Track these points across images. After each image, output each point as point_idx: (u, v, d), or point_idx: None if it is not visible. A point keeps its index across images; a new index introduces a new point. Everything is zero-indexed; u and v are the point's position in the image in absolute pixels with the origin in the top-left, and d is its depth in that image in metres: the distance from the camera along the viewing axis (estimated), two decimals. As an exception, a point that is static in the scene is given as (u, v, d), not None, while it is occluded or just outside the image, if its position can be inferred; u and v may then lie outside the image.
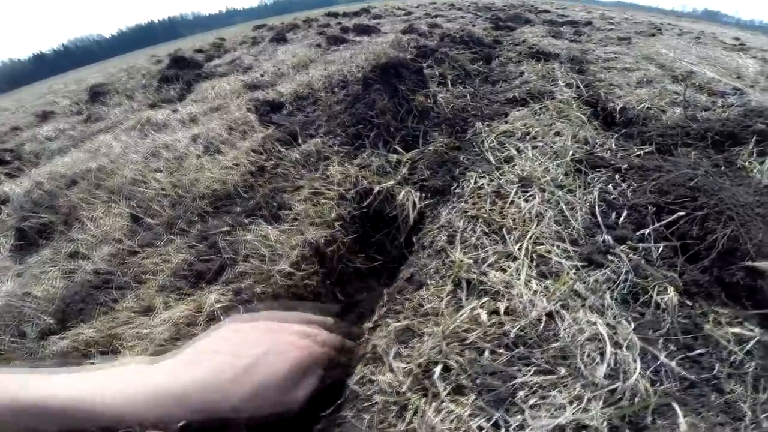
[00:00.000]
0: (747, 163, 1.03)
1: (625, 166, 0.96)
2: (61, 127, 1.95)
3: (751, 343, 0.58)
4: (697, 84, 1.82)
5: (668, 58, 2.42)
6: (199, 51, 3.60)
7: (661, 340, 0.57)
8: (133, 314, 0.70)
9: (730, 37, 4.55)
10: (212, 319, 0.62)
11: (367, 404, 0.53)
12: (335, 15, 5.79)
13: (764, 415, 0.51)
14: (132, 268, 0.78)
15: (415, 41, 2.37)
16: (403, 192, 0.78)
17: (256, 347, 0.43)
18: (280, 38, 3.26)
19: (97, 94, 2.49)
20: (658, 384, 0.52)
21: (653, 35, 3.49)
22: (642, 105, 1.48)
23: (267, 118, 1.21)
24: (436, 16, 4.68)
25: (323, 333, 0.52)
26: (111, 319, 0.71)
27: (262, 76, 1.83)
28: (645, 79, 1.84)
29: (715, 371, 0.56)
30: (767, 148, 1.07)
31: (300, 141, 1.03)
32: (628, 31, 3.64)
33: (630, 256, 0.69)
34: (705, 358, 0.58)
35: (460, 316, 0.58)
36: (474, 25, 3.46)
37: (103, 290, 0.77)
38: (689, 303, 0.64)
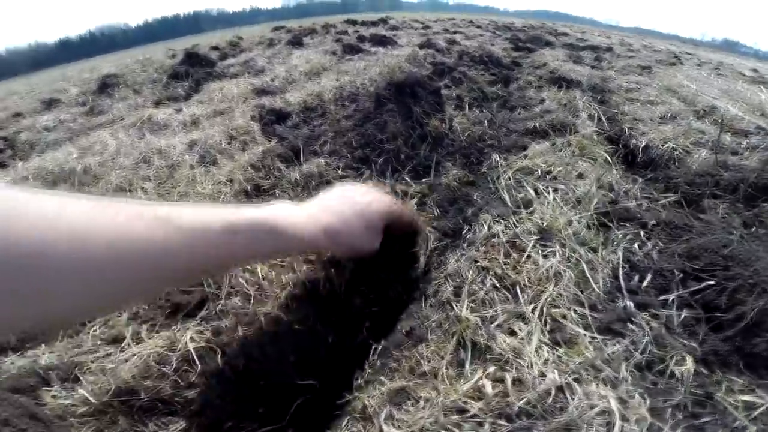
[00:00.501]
0: (781, 224, 0.95)
1: (653, 222, 0.88)
2: (61, 118, 1.90)
3: (760, 409, 0.53)
4: (719, 121, 1.74)
5: (690, 90, 2.34)
6: (216, 48, 3.59)
7: (669, 410, 0.52)
8: (99, 342, 0.63)
9: (748, 69, 4.47)
10: (186, 359, 0.54)
11: None
12: (353, 23, 5.80)
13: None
14: (104, 290, 0.71)
15: (432, 57, 2.32)
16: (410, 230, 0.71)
17: (364, 197, 0.56)
18: (296, 42, 3.23)
19: (105, 86, 2.46)
20: None
21: (673, 64, 3.43)
22: (666, 144, 1.41)
23: (270, 129, 1.15)
24: (454, 32, 4.66)
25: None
26: (75, 345, 0.64)
27: (272, 80, 1.78)
28: (669, 114, 1.77)
29: None
30: (803, 207, 0.99)
31: (302, 159, 0.96)
32: (648, 59, 3.58)
33: (651, 324, 0.62)
34: (710, 426, 0.52)
35: (463, 386, 0.51)
36: (493, 45, 3.42)
37: None
38: (705, 371, 0.58)
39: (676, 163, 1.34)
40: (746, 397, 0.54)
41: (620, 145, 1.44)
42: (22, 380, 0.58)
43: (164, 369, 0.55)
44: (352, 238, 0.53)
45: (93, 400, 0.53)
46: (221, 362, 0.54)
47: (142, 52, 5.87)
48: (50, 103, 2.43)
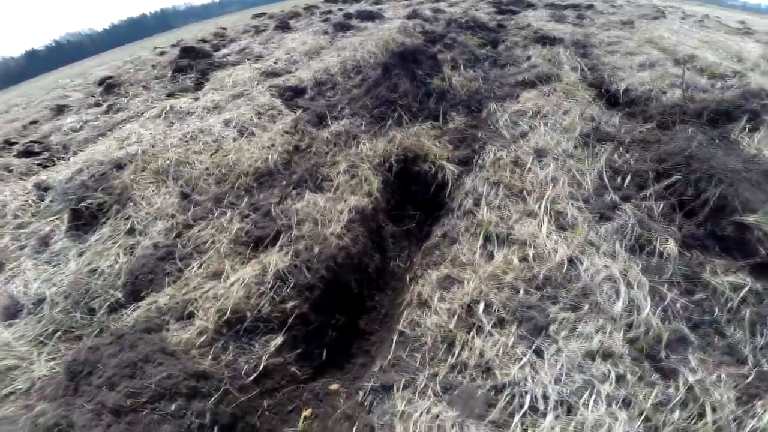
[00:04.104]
0: (739, 138, 1.13)
1: (629, 139, 1.06)
2: (84, 119, 2.01)
3: (744, 290, 0.69)
4: (698, 67, 1.89)
5: (671, 41, 2.47)
6: (203, 41, 3.62)
7: (666, 285, 0.67)
8: (202, 279, 0.78)
9: (735, 21, 4.56)
10: (278, 277, 0.71)
11: (417, 344, 0.63)
12: (335, 1, 5.74)
13: (765, 359, 0.60)
14: (191, 240, 0.88)
15: (421, 27, 2.42)
16: (429, 163, 0.87)
17: None
18: (284, 26, 3.28)
19: (110, 87, 2.54)
20: (667, 323, 0.62)
21: (656, 18, 3.53)
22: (644, 87, 1.57)
23: (292, 103, 1.29)
24: (437, 1, 4.67)
25: None
26: (183, 286, 0.78)
27: (275, 63, 1.90)
28: (647, 62, 1.92)
29: (715, 315, 0.66)
30: (758, 125, 1.18)
31: (329, 122, 1.11)
32: (631, 14, 3.66)
33: (634, 211, 0.79)
34: (705, 303, 0.68)
35: (497, 260, 0.68)
36: (477, 10, 3.48)
37: (168, 261, 0.86)
38: (687, 254, 0.75)
39: (654, 102, 1.51)
40: (730, 278, 0.70)
41: (602, 90, 1.60)
42: (150, 322, 0.72)
43: (262, 288, 0.71)
44: None
45: (210, 326, 0.67)
46: (308, 274, 0.71)
47: (123, 54, 5.80)
48: (60, 109, 2.51)
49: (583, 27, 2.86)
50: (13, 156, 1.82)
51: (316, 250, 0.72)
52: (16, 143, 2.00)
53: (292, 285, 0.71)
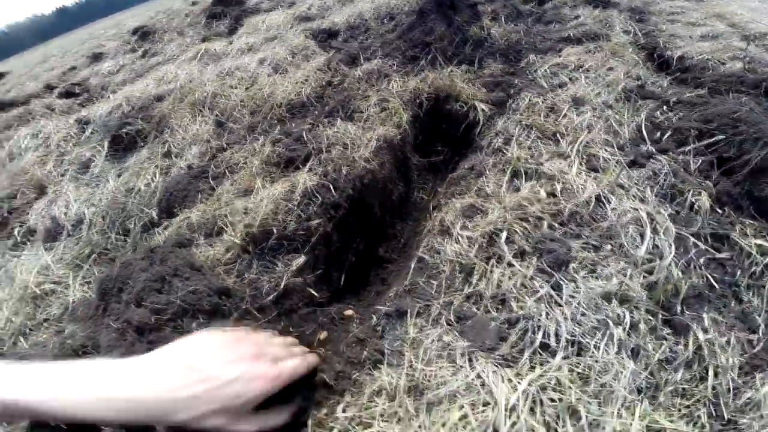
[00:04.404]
0: (798, 111, 1.03)
1: (674, 100, 0.99)
2: (120, 63, 2.08)
3: None
4: (752, 35, 1.70)
5: (743, 18, 2.22)
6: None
7: (692, 238, 0.64)
8: (233, 196, 0.82)
9: None
10: (305, 195, 0.74)
11: (435, 272, 0.62)
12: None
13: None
14: (224, 161, 0.91)
15: (460, -18, 2.29)
16: (461, 102, 0.86)
17: (227, 370, 0.41)
18: (317, -20, 3.18)
19: (146, 34, 2.58)
20: (687, 276, 0.60)
21: None
22: (702, 56, 1.44)
23: (325, 44, 1.28)
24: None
25: (296, 360, 0.49)
26: (214, 202, 0.82)
27: (309, 9, 1.87)
28: (710, 34, 1.74)
29: (736, 277, 0.62)
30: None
31: (361, 62, 1.10)
32: (701, -13, 3.32)
33: (670, 162, 0.75)
34: (729, 263, 0.65)
35: (524, 192, 0.66)
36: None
37: (201, 179, 0.91)
38: (719, 210, 0.71)
39: (710, 71, 1.39)
40: (759, 241, 0.66)
41: (654, 55, 1.48)
42: (181, 237, 0.75)
43: (290, 204, 0.73)
44: (183, 416, 0.39)
45: (237, 242, 0.68)
46: (335, 193, 0.73)
47: (154, 7, 5.82)
48: (97, 57, 2.59)
49: (644, -5, 2.61)
50: (55, 97, 1.92)
51: (344, 170, 0.74)
52: (57, 87, 2.10)
53: (318, 203, 0.73)
